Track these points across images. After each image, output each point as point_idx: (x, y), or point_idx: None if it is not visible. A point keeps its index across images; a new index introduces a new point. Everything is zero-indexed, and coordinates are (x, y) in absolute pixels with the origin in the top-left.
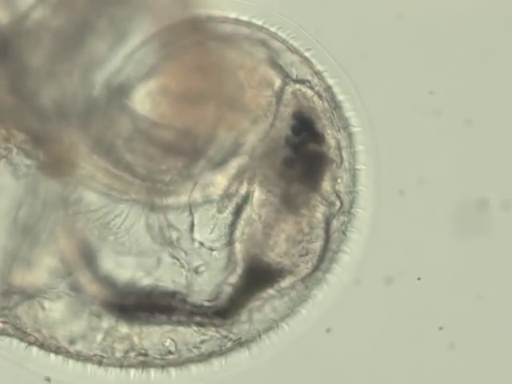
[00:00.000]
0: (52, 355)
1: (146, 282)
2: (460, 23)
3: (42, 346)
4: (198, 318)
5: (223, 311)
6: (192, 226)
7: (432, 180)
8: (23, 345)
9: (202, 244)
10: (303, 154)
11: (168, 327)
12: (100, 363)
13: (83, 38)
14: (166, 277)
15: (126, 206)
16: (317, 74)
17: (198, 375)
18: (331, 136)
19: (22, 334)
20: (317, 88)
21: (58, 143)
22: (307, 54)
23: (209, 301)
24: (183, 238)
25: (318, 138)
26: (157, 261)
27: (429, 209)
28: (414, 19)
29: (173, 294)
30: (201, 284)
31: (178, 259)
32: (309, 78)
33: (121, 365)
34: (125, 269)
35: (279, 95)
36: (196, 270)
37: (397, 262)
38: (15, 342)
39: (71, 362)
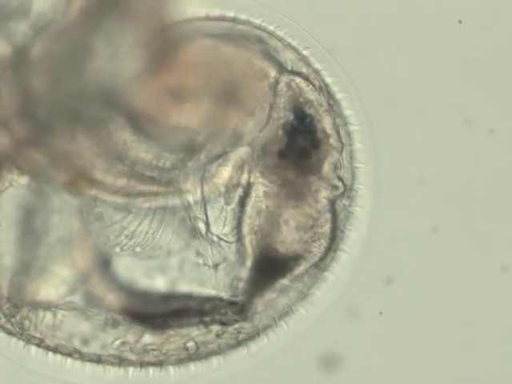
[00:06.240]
0: (51, 354)
1: (166, 286)
2: (458, 22)
3: (48, 347)
4: (218, 316)
5: (242, 305)
6: (207, 219)
7: (431, 178)
8: (22, 344)
9: (219, 238)
10: (301, 143)
11: (189, 329)
12: (112, 363)
13: (82, 58)
14: (189, 279)
15: (148, 214)
16: (315, 72)
17: (201, 372)
18: (328, 124)
19: (27, 336)
20: (312, 79)
21: (74, 162)
22: (306, 52)
23: (229, 296)
24: (208, 230)
25: (314, 126)
26: (180, 263)
27: (428, 207)
28: (413, 19)
29: (195, 296)
30: (221, 279)
31: (203, 255)
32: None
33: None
34: (144, 275)
35: (274, 86)
36: (217, 267)
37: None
38: (14, 340)
39: (83, 363)
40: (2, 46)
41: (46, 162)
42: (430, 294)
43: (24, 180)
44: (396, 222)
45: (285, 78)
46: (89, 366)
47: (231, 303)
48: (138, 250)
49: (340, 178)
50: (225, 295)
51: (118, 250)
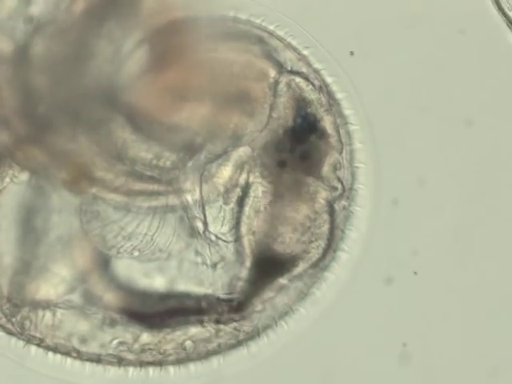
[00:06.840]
0: (51, 354)
1: (164, 285)
2: (459, 23)
3: (48, 347)
4: (216, 315)
5: (240, 304)
6: (205, 218)
7: (430, 178)
8: (22, 344)
9: (217, 237)
10: (301, 143)
11: (187, 329)
12: (112, 363)
13: (84, 58)
14: (188, 278)
15: (147, 214)
16: (315, 71)
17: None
18: (329, 123)
19: (27, 336)
20: (311, 78)
21: (74, 161)
22: (306, 52)
23: (227, 294)
24: (206, 230)
25: (314, 126)
26: (179, 262)
27: (427, 207)
28: (413, 18)
29: (193, 296)
30: (219, 279)
31: (201, 254)
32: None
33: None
34: (143, 274)
35: (274, 87)
36: (215, 266)
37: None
38: (14, 340)
39: (82, 363)
40: (3, 43)
41: (46, 159)
42: (430, 294)
43: (24, 176)
44: (396, 222)
45: (284, 78)
46: (88, 365)
47: (228, 301)
48: (136, 253)
49: (339, 180)
50: (221, 294)
51: (114, 252)
